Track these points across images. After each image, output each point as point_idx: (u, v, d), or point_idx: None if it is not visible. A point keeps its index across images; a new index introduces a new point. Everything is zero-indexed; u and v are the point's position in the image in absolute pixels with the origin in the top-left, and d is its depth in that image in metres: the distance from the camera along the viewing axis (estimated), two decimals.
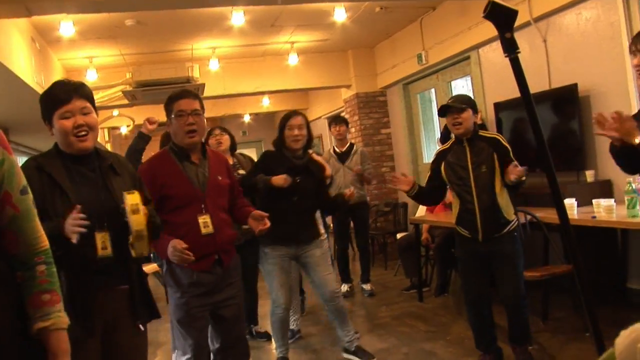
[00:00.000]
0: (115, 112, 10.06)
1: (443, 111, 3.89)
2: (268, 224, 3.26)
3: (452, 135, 4.00)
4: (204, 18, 6.66)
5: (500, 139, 3.88)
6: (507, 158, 3.76)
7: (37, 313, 1.54)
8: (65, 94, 2.39)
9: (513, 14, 1.40)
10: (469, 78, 7.36)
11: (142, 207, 2.33)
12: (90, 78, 7.79)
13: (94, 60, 7.91)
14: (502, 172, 3.75)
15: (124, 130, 12.09)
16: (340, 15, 6.71)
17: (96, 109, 2.51)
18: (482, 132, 3.96)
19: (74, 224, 2.20)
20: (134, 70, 7.54)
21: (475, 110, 3.92)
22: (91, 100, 2.48)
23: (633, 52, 2.65)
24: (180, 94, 3.20)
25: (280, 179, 4.00)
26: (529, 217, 4.66)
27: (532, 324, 4.25)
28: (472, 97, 4.30)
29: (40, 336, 1.53)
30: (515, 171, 3.58)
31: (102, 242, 2.33)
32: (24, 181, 1.59)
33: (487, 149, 3.80)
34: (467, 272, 4.05)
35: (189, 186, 3.11)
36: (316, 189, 4.28)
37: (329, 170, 4.44)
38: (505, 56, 1.43)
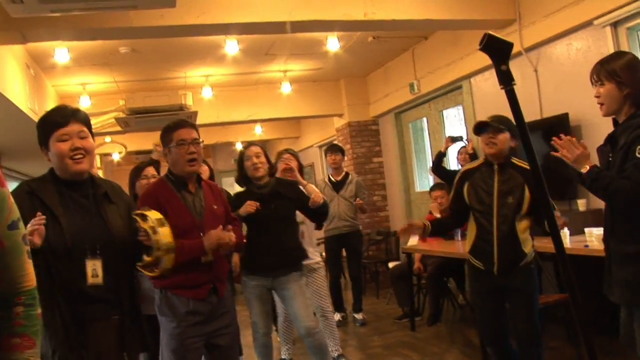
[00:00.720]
0: (108, 138, 10.06)
1: (479, 129, 3.56)
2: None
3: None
4: (198, 46, 6.70)
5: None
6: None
7: (9, 356, 1.45)
8: (63, 117, 2.40)
9: (508, 46, 1.42)
10: (461, 107, 7.41)
11: (166, 221, 2.33)
12: (84, 104, 7.79)
13: (88, 87, 7.92)
14: (530, 207, 3.48)
15: (116, 157, 12.08)
16: (333, 44, 6.77)
17: (93, 134, 2.52)
18: (515, 160, 3.59)
19: (33, 223, 2.20)
20: (127, 97, 7.56)
21: (515, 135, 3.53)
22: (88, 125, 2.48)
23: (595, 82, 2.73)
24: (179, 123, 3.20)
25: (245, 207, 4.02)
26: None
27: None
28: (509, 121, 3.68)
29: None
30: (559, 223, 3.32)
31: (93, 269, 2.31)
32: (14, 215, 1.48)
33: (518, 179, 3.50)
34: (483, 308, 3.72)
35: (188, 215, 3.09)
36: (295, 210, 4.24)
37: (317, 196, 4.23)
38: (501, 88, 1.44)
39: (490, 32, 1.38)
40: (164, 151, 3.24)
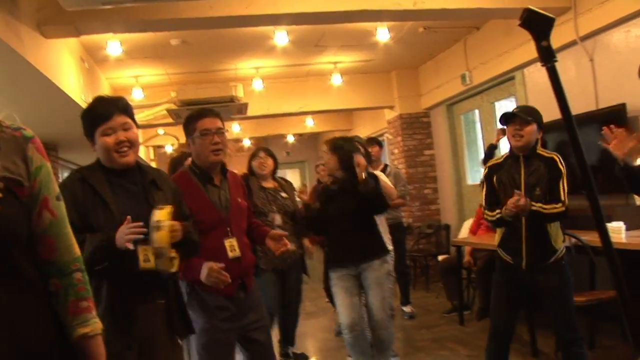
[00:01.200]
0: (161, 130, 10.21)
1: (506, 119, 3.49)
2: (288, 244, 3.18)
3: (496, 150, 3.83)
4: (248, 37, 6.72)
5: (557, 160, 3.46)
6: (554, 182, 3.40)
7: (76, 320, 1.52)
8: (106, 110, 2.41)
9: (550, 21, 1.35)
10: (513, 99, 7.24)
11: (167, 224, 2.31)
12: (137, 97, 7.93)
13: (140, 79, 8.06)
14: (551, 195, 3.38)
15: (169, 149, 12.25)
16: (383, 35, 6.71)
17: (137, 123, 2.53)
18: (540, 150, 3.54)
19: (129, 232, 2.22)
20: (178, 89, 7.67)
21: (541, 126, 3.50)
22: (131, 115, 2.49)
23: None
24: (202, 112, 3.13)
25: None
26: (574, 240, 4.52)
27: None
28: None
29: (80, 343, 1.52)
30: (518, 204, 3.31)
31: (145, 254, 2.32)
32: (58, 188, 1.58)
33: (543, 168, 3.43)
34: (501, 301, 3.63)
35: (213, 210, 3.03)
36: (358, 205, 4.17)
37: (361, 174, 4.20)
38: (542, 65, 1.38)
39: (531, 6, 1.31)
40: (187, 141, 3.19)
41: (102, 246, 2.23)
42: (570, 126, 1.43)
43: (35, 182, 1.48)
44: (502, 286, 3.63)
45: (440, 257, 7.46)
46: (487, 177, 3.66)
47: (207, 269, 2.83)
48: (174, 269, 2.42)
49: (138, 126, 2.56)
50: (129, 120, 2.45)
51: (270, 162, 4.99)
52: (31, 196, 1.47)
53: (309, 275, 5.27)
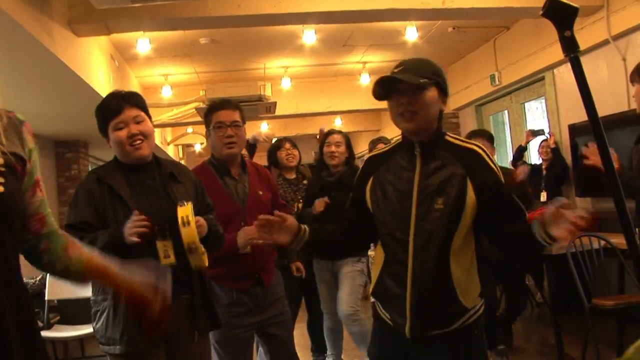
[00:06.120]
0: (190, 129, 10.29)
1: (384, 89, 2.05)
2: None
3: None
4: (276, 36, 6.75)
5: (483, 155, 2.07)
6: (495, 196, 2.01)
7: (77, 253, 1.61)
8: (116, 104, 2.41)
9: (573, 10, 1.32)
10: (543, 99, 7.16)
11: (192, 219, 2.28)
12: (166, 95, 8.01)
13: (169, 77, 8.13)
14: (479, 216, 2.02)
15: (197, 147, 12.34)
16: (411, 34, 6.66)
17: (150, 116, 2.51)
18: (451, 137, 2.14)
19: (133, 225, 2.21)
20: (207, 87, 7.72)
21: (445, 91, 2.09)
22: (143, 107, 2.48)
23: (637, 81, 2.75)
24: (219, 104, 3.10)
25: (315, 206, 4.12)
26: (603, 242, 4.45)
27: (606, 356, 4.04)
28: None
29: (89, 266, 1.61)
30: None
31: (165, 250, 2.28)
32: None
33: (454, 167, 2.02)
34: None
35: (229, 202, 3.00)
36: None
37: None
38: (565, 56, 1.35)
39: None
40: (206, 133, 3.18)
41: (112, 242, 2.21)
42: (594, 120, 1.39)
43: (29, 162, 1.52)
44: None
45: None
46: (360, 178, 2.23)
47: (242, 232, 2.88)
48: (206, 264, 2.40)
49: (151, 119, 2.53)
50: (141, 113, 2.44)
51: (296, 152, 4.92)
52: (27, 175, 1.52)
53: None
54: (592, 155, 3.47)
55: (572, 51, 1.31)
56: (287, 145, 4.91)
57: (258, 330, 3.06)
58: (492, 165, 2.04)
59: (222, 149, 3.03)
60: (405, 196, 2.03)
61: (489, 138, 4.72)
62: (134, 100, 2.45)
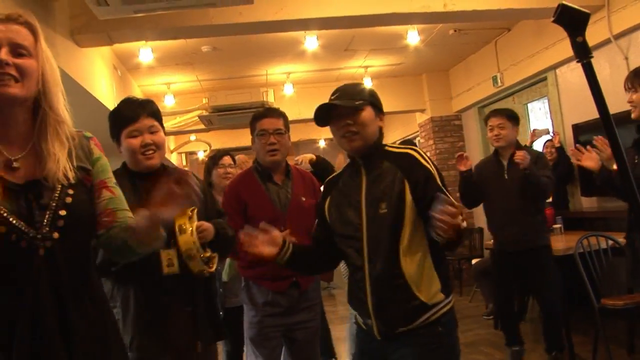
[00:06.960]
0: (193, 136, 10.29)
1: (323, 116, 2.29)
2: None
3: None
4: (278, 43, 6.75)
5: (417, 155, 2.20)
6: (426, 189, 2.11)
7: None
8: (133, 112, 2.41)
9: (585, 16, 1.32)
10: (546, 100, 7.15)
11: (190, 227, 2.28)
12: (168, 103, 8.02)
13: (172, 86, 8.14)
14: (421, 214, 2.11)
15: (201, 155, 12.34)
16: (413, 38, 6.67)
17: (163, 126, 2.52)
18: (389, 147, 2.32)
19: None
20: (210, 95, 7.73)
21: (379, 109, 2.32)
22: (158, 118, 2.48)
23: (629, 89, 2.86)
24: (263, 113, 3.20)
25: None
26: (610, 242, 4.44)
27: (617, 356, 4.03)
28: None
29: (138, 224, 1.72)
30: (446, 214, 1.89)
31: (169, 259, 2.30)
32: (114, 179, 1.82)
33: (393, 172, 2.18)
34: None
35: (269, 207, 3.08)
36: None
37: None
38: (577, 62, 1.35)
39: (564, 2, 1.29)
40: (251, 140, 3.24)
41: None
42: (608, 125, 1.38)
43: (94, 168, 1.74)
44: None
45: (474, 261, 7.39)
46: (322, 199, 2.47)
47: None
48: (212, 269, 2.40)
49: (165, 130, 2.54)
50: (156, 123, 2.44)
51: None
52: (92, 181, 1.72)
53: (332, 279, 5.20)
54: (578, 155, 3.58)
55: (584, 57, 1.31)
56: (227, 160, 4.40)
57: (284, 332, 3.13)
58: (425, 163, 2.19)
59: (265, 156, 3.12)
60: (355, 207, 2.23)
61: (510, 117, 4.61)
62: (150, 109, 2.46)
